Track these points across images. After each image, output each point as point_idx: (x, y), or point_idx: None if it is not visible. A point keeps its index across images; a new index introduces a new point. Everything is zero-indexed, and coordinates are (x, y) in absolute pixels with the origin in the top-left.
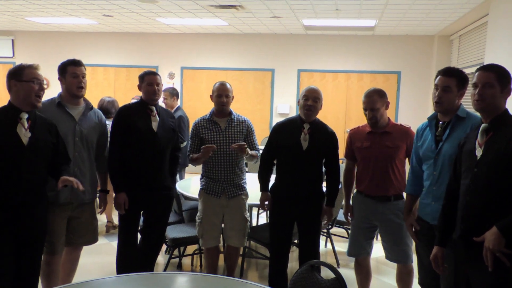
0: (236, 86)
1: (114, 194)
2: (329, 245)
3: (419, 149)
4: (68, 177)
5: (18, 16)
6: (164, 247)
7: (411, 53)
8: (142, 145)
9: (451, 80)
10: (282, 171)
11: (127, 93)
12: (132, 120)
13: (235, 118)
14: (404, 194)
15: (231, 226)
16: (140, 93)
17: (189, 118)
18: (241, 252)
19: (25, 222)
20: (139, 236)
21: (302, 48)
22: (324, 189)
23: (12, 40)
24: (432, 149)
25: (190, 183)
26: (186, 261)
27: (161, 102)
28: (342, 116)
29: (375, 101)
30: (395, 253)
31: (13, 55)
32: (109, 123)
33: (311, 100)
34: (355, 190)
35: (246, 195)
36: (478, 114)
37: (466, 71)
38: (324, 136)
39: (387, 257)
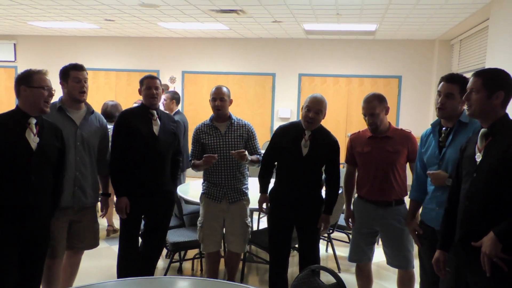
0: (237, 90)
1: (115, 198)
2: (330, 249)
3: (423, 155)
4: None
5: (20, 20)
6: (164, 251)
7: (412, 58)
8: (143, 149)
9: (454, 86)
10: (281, 174)
11: (128, 97)
12: (133, 124)
13: (235, 122)
14: (405, 199)
15: (231, 231)
16: (141, 97)
17: (190, 123)
18: (241, 257)
19: (30, 225)
20: (140, 240)
21: (303, 53)
22: (324, 195)
23: (14, 44)
24: (436, 155)
25: (190, 187)
26: (187, 265)
27: (161, 104)
28: (343, 120)
29: (374, 106)
30: (397, 258)
31: (15, 59)
32: (112, 127)
33: (312, 112)
34: (356, 195)
35: (248, 201)
36: None
37: (467, 75)
38: (325, 144)
39: (388, 262)
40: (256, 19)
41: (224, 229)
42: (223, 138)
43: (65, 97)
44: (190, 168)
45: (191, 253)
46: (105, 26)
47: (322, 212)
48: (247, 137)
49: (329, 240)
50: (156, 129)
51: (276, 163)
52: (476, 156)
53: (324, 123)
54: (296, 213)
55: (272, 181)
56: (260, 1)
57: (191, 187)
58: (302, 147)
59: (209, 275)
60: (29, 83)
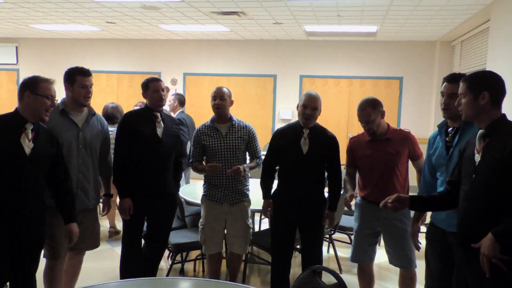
0: (238, 92)
1: (118, 200)
2: (331, 250)
3: (431, 157)
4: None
5: (22, 23)
6: (166, 252)
7: (413, 59)
8: (147, 151)
9: (456, 86)
10: (284, 176)
11: (129, 100)
12: (137, 126)
13: (236, 124)
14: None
15: (233, 233)
16: (142, 99)
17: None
18: (243, 258)
19: (22, 228)
20: (142, 241)
21: (304, 54)
22: (326, 194)
23: (16, 47)
24: (444, 156)
25: (193, 189)
26: (189, 266)
27: (166, 105)
28: (344, 121)
29: (368, 113)
30: (399, 258)
31: (17, 62)
32: (114, 129)
33: (309, 109)
34: (358, 197)
35: (249, 202)
36: None
37: None
38: (324, 140)
39: (391, 262)
40: (257, 20)
41: (225, 230)
42: (224, 140)
43: (68, 100)
44: (191, 169)
45: (193, 254)
46: (107, 28)
47: (325, 211)
48: (248, 139)
49: (331, 241)
50: (159, 131)
51: (277, 166)
52: (475, 157)
53: (325, 124)
54: (299, 214)
55: (275, 183)
56: (261, 3)
57: (193, 189)
58: (301, 146)
59: (211, 276)
60: (34, 90)
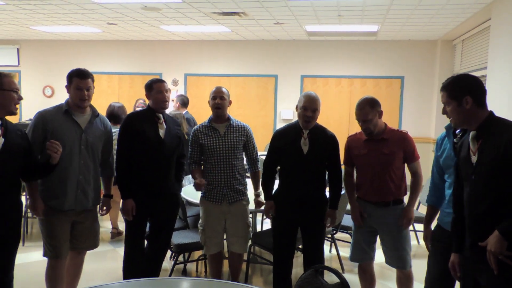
0: (239, 92)
1: (121, 201)
2: (333, 250)
3: (439, 159)
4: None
5: (23, 25)
6: (169, 253)
7: (414, 58)
8: (149, 152)
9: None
10: (284, 176)
11: (131, 101)
12: (140, 127)
13: (234, 124)
14: (405, 199)
15: (233, 232)
16: (142, 96)
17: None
18: (245, 258)
19: None
20: (145, 242)
21: (305, 54)
22: (328, 194)
23: (17, 49)
24: (452, 157)
25: (193, 189)
26: (191, 266)
27: (172, 106)
28: (345, 121)
29: (366, 112)
30: (393, 258)
31: (18, 64)
32: (118, 129)
33: (310, 111)
34: (356, 196)
35: (247, 201)
36: None
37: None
38: (324, 140)
39: (386, 262)
40: (258, 21)
41: (225, 230)
42: (223, 139)
43: (70, 101)
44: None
45: (195, 254)
46: (108, 29)
47: (327, 210)
48: (245, 139)
49: (333, 241)
50: (162, 132)
51: (278, 167)
52: (472, 159)
53: (327, 124)
54: (300, 213)
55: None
56: (262, 3)
57: (195, 190)
58: (302, 146)
59: (213, 277)
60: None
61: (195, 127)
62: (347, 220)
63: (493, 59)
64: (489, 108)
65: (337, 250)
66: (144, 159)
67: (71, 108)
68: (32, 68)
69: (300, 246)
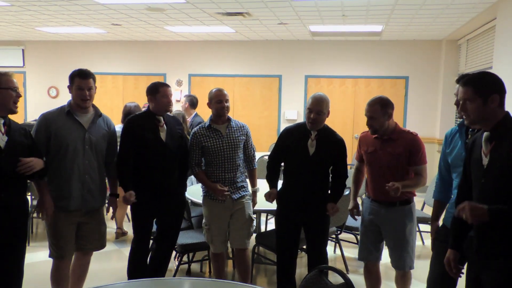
0: (243, 92)
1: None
2: (338, 250)
3: (448, 156)
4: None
5: (28, 26)
6: (173, 253)
7: (418, 58)
8: (152, 156)
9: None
10: (289, 175)
11: (135, 101)
12: (140, 132)
13: (234, 123)
14: (414, 199)
15: (236, 227)
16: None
17: None
18: (250, 255)
19: (1, 226)
20: (151, 242)
21: (309, 54)
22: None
23: (23, 50)
24: (462, 157)
25: (198, 189)
26: (195, 267)
27: (179, 106)
28: (350, 121)
29: (375, 110)
30: (393, 257)
31: (23, 65)
32: None
33: (314, 113)
34: (364, 195)
35: (250, 195)
36: None
37: None
38: (331, 143)
39: (390, 262)
40: (262, 21)
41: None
42: (225, 140)
43: (72, 101)
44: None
45: (200, 254)
46: (112, 30)
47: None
48: (245, 138)
49: (337, 241)
50: (163, 135)
51: (282, 164)
52: (483, 161)
53: (331, 124)
54: (304, 214)
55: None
56: (266, 3)
57: (199, 189)
58: (308, 146)
59: (217, 276)
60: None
61: (194, 129)
62: (351, 221)
63: (498, 59)
64: None
65: (341, 250)
66: (148, 162)
67: (74, 109)
68: (37, 69)
69: (304, 247)
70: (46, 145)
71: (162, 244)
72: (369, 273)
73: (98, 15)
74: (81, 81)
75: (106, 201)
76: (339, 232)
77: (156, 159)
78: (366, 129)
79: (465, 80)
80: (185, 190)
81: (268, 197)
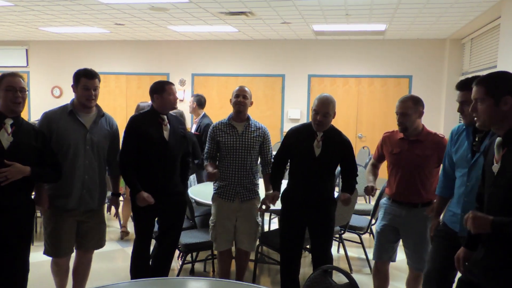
0: None
1: (130, 201)
2: (341, 250)
3: (453, 154)
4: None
5: (32, 26)
6: (176, 252)
7: (422, 57)
8: (154, 154)
9: (468, 93)
10: (294, 176)
11: (138, 101)
12: (144, 130)
13: (252, 124)
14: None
15: (243, 230)
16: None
17: None
18: (253, 257)
19: (5, 225)
20: (153, 242)
21: (312, 54)
22: (336, 194)
23: (26, 50)
24: (468, 159)
25: (202, 189)
26: (199, 266)
27: (185, 106)
28: (353, 121)
29: (407, 106)
30: (414, 259)
31: (27, 65)
32: None
33: (320, 115)
34: (385, 197)
35: (259, 200)
36: None
37: (479, 74)
38: (338, 144)
39: (408, 262)
40: (265, 20)
41: (235, 228)
42: (240, 138)
43: (76, 101)
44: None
45: (203, 254)
46: (115, 30)
47: (334, 213)
48: (262, 140)
49: (341, 241)
50: (166, 134)
51: (287, 164)
52: (493, 167)
53: (334, 123)
54: (309, 214)
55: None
56: (269, 2)
57: (203, 189)
58: (314, 147)
59: (221, 276)
60: (0, 85)
61: (214, 123)
62: (355, 220)
63: (503, 58)
64: None
65: (345, 250)
66: (150, 161)
67: (76, 108)
68: (41, 69)
69: (308, 246)
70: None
71: (164, 243)
72: (378, 272)
73: (101, 15)
74: (88, 81)
75: (107, 201)
76: (342, 231)
77: (158, 157)
78: (369, 128)
79: (479, 79)
80: (187, 189)
81: (272, 200)
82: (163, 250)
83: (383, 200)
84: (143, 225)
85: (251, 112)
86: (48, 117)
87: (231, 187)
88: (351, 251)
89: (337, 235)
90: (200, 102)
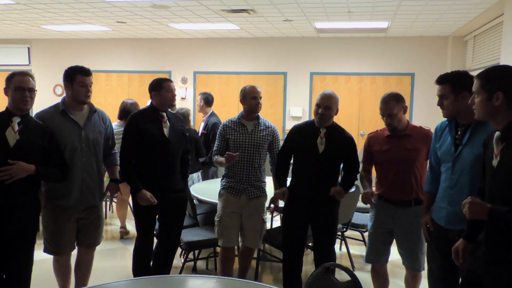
0: None
1: (130, 199)
2: (343, 248)
3: (438, 150)
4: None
5: (34, 24)
6: (179, 250)
7: (424, 55)
8: (154, 151)
9: (445, 87)
10: (298, 173)
11: (140, 99)
12: (144, 127)
13: (262, 123)
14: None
15: (249, 226)
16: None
17: None
18: (255, 255)
19: (12, 222)
20: (155, 240)
21: (314, 51)
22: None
23: (28, 48)
24: (451, 153)
25: (205, 187)
26: (201, 264)
27: (184, 104)
28: (355, 118)
29: (392, 107)
30: (409, 259)
31: (29, 63)
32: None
33: (322, 108)
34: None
35: (266, 197)
36: None
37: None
38: (341, 141)
39: (403, 263)
40: (267, 18)
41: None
42: (249, 136)
43: (68, 99)
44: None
45: (205, 252)
46: (117, 28)
47: (338, 211)
48: (271, 139)
49: (343, 239)
50: (166, 131)
51: (291, 161)
52: (492, 161)
53: (337, 121)
54: (312, 211)
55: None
56: (271, 0)
57: (206, 187)
58: (318, 144)
59: (223, 273)
60: (10, 85)
61: (224, 122)
62: (357, 218)
63: (506, 55)
64: None
65: (347, 247)
66: (150, 158)
67: (68, 107)
68: (43, 67)
69: (311, 244)
70: None
71: (165, 241)
72: (377, 274)
73: (103, 13)
74: (84, 77)
75: (104, 198)
76: (345, 229)
77: (158, 154)
78: (372, 126)
79: (480, 72)
80: (187, 186)
81: (282, 196)
82: (165, 247)
83: (374, 200)
84: (144, 222)
85: None
86: (41, 117)
87: (239, 184)
88: (353, 249)
89: (339, 233)
90: (207, 100)
